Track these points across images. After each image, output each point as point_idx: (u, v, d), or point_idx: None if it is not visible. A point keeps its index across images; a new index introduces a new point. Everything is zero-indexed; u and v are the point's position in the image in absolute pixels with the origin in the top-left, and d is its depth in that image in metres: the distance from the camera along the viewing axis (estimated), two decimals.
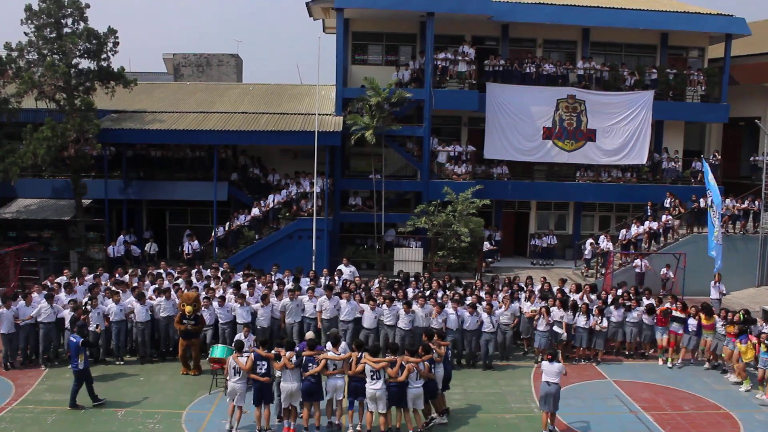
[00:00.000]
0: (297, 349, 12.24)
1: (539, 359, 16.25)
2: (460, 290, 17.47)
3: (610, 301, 16.92)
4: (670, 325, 16.35)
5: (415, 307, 15.63)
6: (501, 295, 16.81)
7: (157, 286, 16.74)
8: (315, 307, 15.97)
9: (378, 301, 15.84)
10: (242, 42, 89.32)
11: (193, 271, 18.48)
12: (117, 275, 17.93)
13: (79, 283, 17.11)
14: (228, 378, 12.12)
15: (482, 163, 26.76)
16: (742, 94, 29.23)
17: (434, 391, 12.52)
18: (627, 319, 16.53)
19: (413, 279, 18.60)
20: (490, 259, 24.89)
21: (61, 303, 15.59)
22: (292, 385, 11.92)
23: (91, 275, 17.94)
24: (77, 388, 13.12)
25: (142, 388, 14.16)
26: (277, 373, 12.07)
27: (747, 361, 14.73)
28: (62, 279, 17.45)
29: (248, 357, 12.01)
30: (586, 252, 24.09)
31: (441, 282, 18.16)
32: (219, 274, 18.23)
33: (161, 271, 18.37)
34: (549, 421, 12.37)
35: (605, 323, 16.11)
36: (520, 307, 16.67)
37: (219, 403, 13.46)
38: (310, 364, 11.86)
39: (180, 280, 17.50)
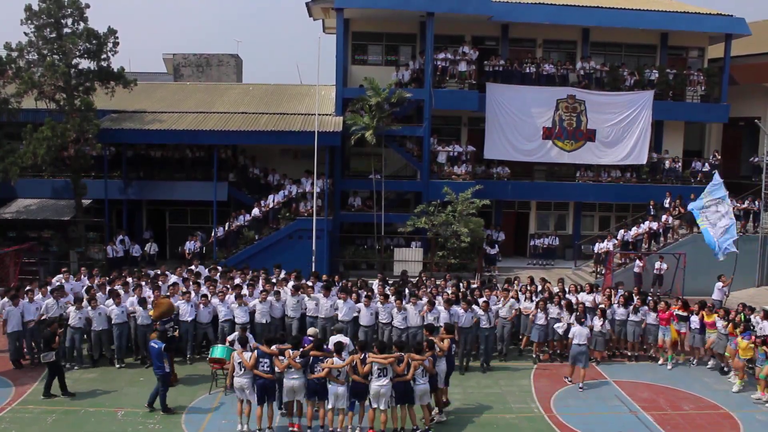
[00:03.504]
0: (302, 347, 12.17)
1: (537, 359, 16.36)
2: (449, 291, 17.24)
3: (616, 300, 16.81)
4: (675, 324, 16.29)
5: (407, 305, 15.59)
6: (499, 294, 16.78)
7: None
8: (315, 305, 15.94)
9: (375, 299, 15.83)
10: (242, 42, 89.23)
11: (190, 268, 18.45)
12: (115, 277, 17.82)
13: (75, 279, 17.15)
14: (234, 374, 12.04)
15: (482, 163, 26.77)
16: (742, 94, 29.23)
17: (436, 385, 12.54)
18: (630, 318, 16.48)
19: (413, 280, 18.50)
20: (493, 266, 24.75)
21: (65, 300, 15.57)
22: (294, 381, 11.88)
23: (86, 277, 17.80)
24: (164, 392, 12.95)
25: (142, 389, 14.07)
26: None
27: (746, 358, 14.70)
28: (59, 278, 17.45)
29: (252, 354, 11.99)
30: (596, 249, 23.94)
31: (445, 282, 18.08)
32: (218, 276, 18.18)
33: (154, 273, 18.18)
34: (582, 375, 14.50)
35: (608, 325, 16.04)
36: (519, 308, 16.64)
37: (219, 403, 13.44)
38: (317, 366, 11.82)
39: (175, 276, 17.51)
